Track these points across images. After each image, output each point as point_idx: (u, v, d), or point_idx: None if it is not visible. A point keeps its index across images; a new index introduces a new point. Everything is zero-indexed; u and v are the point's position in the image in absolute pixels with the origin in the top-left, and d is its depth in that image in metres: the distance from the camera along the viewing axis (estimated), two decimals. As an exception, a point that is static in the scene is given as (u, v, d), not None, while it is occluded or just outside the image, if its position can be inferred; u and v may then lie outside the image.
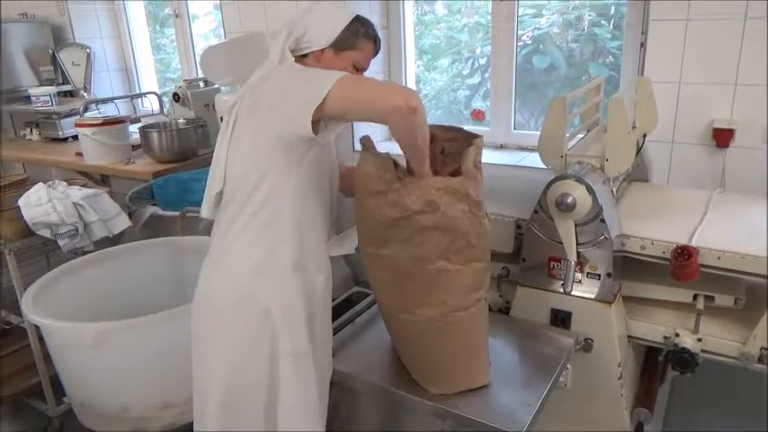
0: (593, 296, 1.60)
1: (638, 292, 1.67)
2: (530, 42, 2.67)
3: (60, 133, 3.41)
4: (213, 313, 1.33)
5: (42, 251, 2.51)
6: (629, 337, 1.66)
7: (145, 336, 1.61)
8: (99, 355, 1.59)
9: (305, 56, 1.33)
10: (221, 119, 2.47)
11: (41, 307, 1.69)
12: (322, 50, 1.32)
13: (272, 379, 1.30)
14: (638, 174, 1.97)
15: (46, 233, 2.08)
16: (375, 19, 2.71)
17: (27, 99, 3.47)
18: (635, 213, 1.71)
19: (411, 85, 2.90)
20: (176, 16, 3.50)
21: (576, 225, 1.55)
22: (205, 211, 1.35)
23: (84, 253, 2.12)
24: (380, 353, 1.52)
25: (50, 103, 3.37)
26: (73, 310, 1.73)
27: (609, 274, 1.56)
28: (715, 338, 1.54)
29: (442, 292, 1.29)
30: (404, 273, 1.29)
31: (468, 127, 2.80)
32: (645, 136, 1.87)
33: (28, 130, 3.60)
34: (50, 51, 3.64)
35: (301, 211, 1.30)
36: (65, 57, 3.65)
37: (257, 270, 1.29)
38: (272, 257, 1.29)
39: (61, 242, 2.10)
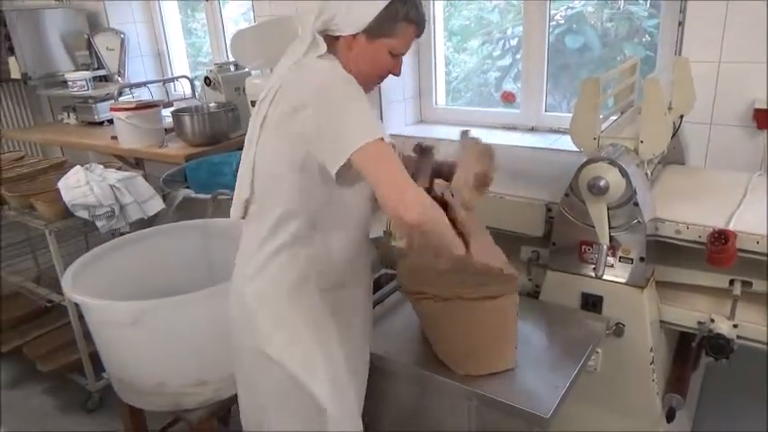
0: (625, 281, 1.57)
1: (672, 277, 1.64)
2: (563, 22, 2.61)
3: (96, 117, 3.49)
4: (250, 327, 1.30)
5: (81, 232, 2.60)
6: (661, 322, 1.63)
7: (179, 314, 1.65)
8: (135, 332, 1.63)
9: (336, 38, 1.19)
10: (252, 102, 2.52)
11: (81, 286, 1.74)
12: (354, 36, 1.17)
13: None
14: (675, 156, 1.92)
15: (84, 214, 2.15)
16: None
17: (64, 84, 3.55)
18: (670, 196, 1.67)
19: (440, 67, 2.87)
20: (207, 0, 3.52)
21: (608, 208, 1.52)
22: (234, 214, 1.29)
23: (121, 234, 2.17)
24: (408, 333, 1.54)
25: (86, 88, 3.44)
26: (110, 288, 1.78)
27: (642, 259, 1.54)
28: (752, 324, 1.50)
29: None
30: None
31: (498, 109, 2.81)
32: (682, 117, 1.82)
33: (65, 114, 3.69)
34: (86, 37, 3.72)
35: (334, 238, 1.25)
36: (99, 42, 3.72)
37: (290, 292, 1.25)
38: (304, 283, 1.25)
39: (99, 223, 2.16)
